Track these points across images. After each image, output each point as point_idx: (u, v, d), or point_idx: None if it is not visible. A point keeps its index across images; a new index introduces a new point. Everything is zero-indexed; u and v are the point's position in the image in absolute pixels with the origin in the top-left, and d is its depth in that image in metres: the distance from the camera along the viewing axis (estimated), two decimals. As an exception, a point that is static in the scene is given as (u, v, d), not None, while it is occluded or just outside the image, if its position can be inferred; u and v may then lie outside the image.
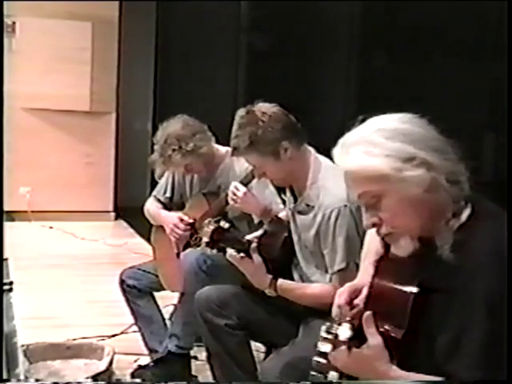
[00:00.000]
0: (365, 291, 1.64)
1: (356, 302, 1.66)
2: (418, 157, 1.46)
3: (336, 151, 1.54)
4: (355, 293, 1.70)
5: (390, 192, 1.48)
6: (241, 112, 2.46)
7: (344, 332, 1.39)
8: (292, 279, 2.45)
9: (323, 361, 1.37)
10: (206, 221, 2.43)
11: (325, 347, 1.37)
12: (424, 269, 1.52)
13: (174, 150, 3.04)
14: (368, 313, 1.46)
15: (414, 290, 1.49)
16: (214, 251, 2.39)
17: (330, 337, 1.37)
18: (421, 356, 1.49)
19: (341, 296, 1.71)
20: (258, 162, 2.45)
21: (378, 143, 1.47)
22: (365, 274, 1.73)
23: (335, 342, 1.37)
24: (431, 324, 1.49)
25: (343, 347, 1.46)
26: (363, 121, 1.57)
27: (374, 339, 1.46)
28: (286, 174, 2.40)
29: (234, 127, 2.45)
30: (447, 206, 1.49)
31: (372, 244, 1.75)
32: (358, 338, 1.41)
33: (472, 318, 1.41)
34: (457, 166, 1.50)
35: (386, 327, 1.49)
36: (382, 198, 1.49)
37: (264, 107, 2.44)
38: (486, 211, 1.52)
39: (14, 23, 6.75)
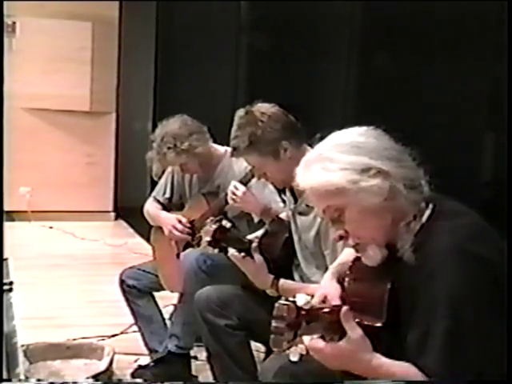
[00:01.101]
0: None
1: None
2: (374, 167, 1.51)
3: (299, 170, 1.61)
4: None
5: (351, 204, 1.53)
6: (240, 112, 2.46)
7: (301, 298, 1.44)
8: (293, 280, 2.45)
9: (280, 325, 1.41)
10: (208, 220, 2.43)
11: (281, 311, 1.41)
12: (393, 269, 1.56)
13: (169, 148, 3.07)
14: (345, 308, 1.48)
15: (389, 285, 1.55)
16: (216, 250, 2.39)
17: (287, 302, 1.41)
18: (396, 352, 1.51)
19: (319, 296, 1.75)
20: (257, 162, 2.45)
21: (333, 158, 1.53)
22: (333, 277, 1.80)
23: (291, 307, 1.41)
24: (403, 322, 1.52)
25: (323, 343, 1.49)
26: (321, 138, 1.63)
27: (353, 332, 1.48)
28: (286, 174, 2.39)
29: (234, 128, 2.46)
30: (407, 210, 1.54)
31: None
32: (313, 311, 1.45)
33: (435, 315, 1.44)
34: (414, 171, 1.56)
35: (365, 321, 1.52)
36: (344, 210, 1.55)
37: (263, 107, 2.44)
38: (446, 211, 1.56)
39: (14, 23, 6.76)
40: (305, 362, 1.52)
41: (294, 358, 1.49)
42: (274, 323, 1.41)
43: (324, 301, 1.73)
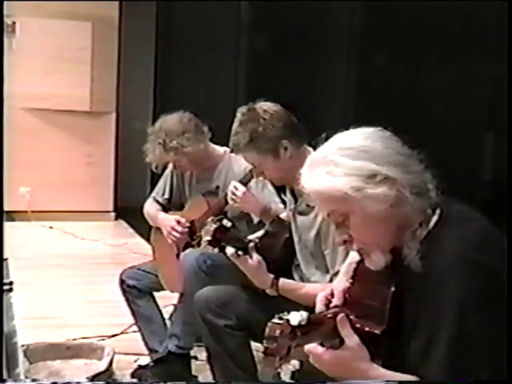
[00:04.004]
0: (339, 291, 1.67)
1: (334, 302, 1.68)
2: (380, 173, 1.47)
3: (303, 172, 1.56)
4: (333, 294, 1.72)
5: (356, 210, 1.49)
6: (242, 109, 2.46)
7: (295, 317, 1.40)
8: (293, 280, 2.45)
9: (272, 346, 1.37)
10: (209, 219, 2.43)
11: (273, 331, 1.38)
12: (398, 275, 1.54)
13: (159, 144, 3.08)
14: (342, 315, 1.46)
15: (393, 288, 1.52)
16: (216, 250, 2.39)
17: (280, 322, 1.38)
18: (398, 359, 1.50)
19: (321, 297, 1.73)
20: (257, 159, 2.45)
21: (339, 162, 1.49)
22: (345, 277, 1.76)
23: (285, 327, 1.37)
24: (406, 329, 1.50)
25: (324, 349, 1.47)
26: (327, 139, 1.59)
27: (350, 340, 1.46)
28: (284, 172, 2.40)
29: (235, 124, 2.45)
30: (414, 217, 1.50)
31: None
32: (309, 324, 1.42)
33: (439, 325, 1.42)
34: (421, 176, 1.52)
35: (366, 326, 1.50)
36: (349, 216, 1.51)
37: (266, 105, 2.44)
38: (453, 216, 1.52)
39: (14, 23, 6.75)
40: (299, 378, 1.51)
41: (286, 376, 1.47)
42: (265, 344, 1.38)
43: (329, 298, 1.72)
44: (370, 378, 1.46)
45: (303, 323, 1.39)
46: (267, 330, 1.38)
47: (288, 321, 1.38)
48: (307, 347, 1.47)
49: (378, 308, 1.53)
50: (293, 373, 1.47)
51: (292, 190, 2.50)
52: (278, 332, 1.37)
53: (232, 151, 2.55)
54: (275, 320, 1.39)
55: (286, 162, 2.38)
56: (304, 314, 1.40)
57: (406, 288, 1.52)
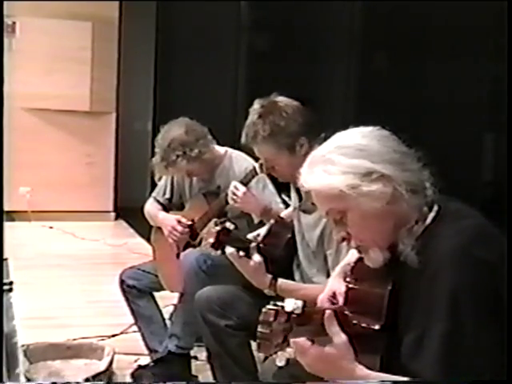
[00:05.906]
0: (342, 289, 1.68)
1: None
2: (376, 171, 1.49)
3: (303, 171, 1.60)
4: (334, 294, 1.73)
5: (352, 208, 1.51)
6: (262, 102, 2.41)
7: (289, 304, 1.41)
8: (293, 280, 2.44)
9: (266, 330, 1.39)
10: (212, 222, 2.42)
11: (267, 317, 1.40)
12: (395, 271, 1.55)
13: (178, 156, 3.03)
14: (328, 312, 1.46)
15: (390, 286, 1.54)
16: (218, 252, 2.37)
17: (275, 307, 1.40)
18: (395, 355, 1.49)
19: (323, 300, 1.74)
20: (272, 154, 2.40)
21: (335, 161, 1.51)
22: (338, 277, 1.77)
23: (279, 313, 1.39)
24: (402, 325, 1.50)
25: (308, 342, 1.47)
26: (326, 138, 1.61)
27: (337, 338, 1.46)
28: (296, 170, 2.38)
29: (253, 116, 2.39)
30: (410, 215, 1.52)
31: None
32: (304, 314, 1.43)
33: (433, 317, 1.42)
34: (418, 174, 1.53)
35: (363, 323, 1.51)
36: (346, 213, 1.53)
37: (286, 100, 2.40)
38: (450, 213, 1.54)
39: (14, 23, 6.76)
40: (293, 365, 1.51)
41: (280, 362, 1.48)
42: (259, 328, 1.40)
43: (332, 299, 1.72)
44: (355, 377, 1.45)
45: (298, 312, 1.41)
46: (262, 315, 1.40)
47: (283, 307, 1.40)
48: (294, 342, 1.47)
49: (375, 305, 1.54)
50: (287, 360, 1.47)
51: (297, 187, 2.49)
52: (271, 317, 1.38)
53: (247, 143, 2.47)
54: (270, 306, 1.41)
55: (299, 159, 2.34)
56: (299, 303, 1.42)
57: (403, 285, 1.53)
